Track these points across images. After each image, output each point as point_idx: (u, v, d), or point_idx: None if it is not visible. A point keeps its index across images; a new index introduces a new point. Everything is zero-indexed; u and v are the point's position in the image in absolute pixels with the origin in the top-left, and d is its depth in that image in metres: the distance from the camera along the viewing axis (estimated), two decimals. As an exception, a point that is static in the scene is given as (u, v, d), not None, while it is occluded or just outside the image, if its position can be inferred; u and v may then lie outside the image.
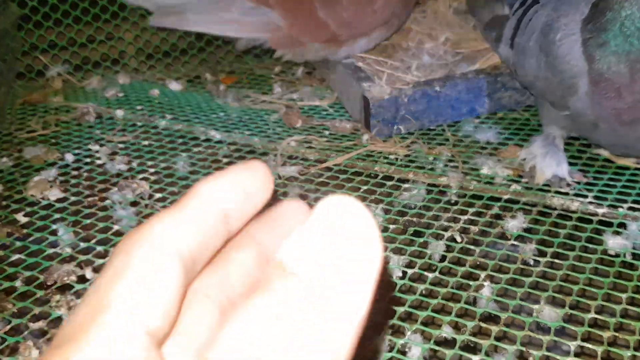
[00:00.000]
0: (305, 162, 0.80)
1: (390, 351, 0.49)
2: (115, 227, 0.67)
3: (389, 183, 0.73)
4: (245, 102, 1.01)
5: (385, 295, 0.54)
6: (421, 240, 0.62)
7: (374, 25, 0.96)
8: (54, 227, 0.67)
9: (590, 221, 0.64)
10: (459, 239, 0.62)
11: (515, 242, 0.61)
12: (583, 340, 0.49)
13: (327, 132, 0.89)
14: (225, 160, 0.82)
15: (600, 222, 0.63)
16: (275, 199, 0.28)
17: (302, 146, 0.84)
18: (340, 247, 0.19)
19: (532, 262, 0.59)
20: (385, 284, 0.56)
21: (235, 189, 0.25)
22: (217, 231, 0.25)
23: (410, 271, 0.58)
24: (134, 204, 0.72)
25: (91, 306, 0.21)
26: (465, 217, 0.66)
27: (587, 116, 0.67)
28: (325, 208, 0.20)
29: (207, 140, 0.87)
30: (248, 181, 0.26)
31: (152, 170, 0.79)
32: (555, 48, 0.69)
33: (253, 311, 0.18)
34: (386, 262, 0.60)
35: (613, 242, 0.60)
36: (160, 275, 0.21)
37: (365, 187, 0.73)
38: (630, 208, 0.65)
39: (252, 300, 0.19)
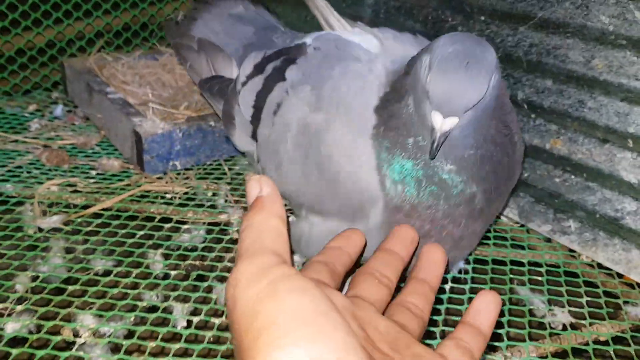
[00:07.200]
0: (71, 210, 0.71)
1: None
2: None
3: (168, 225, 0.70)
4: (-9, 142, 0.87)
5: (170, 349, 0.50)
6: (205, 284, 0.60)
7: None
8: None
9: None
10: (243, 278, 0.61)
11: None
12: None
13: (94, 173, 0.81)
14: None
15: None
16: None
17: (65, 191, 0.75)
18: None
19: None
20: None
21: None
22: None
23: (195, 319, 0.55)
24: None
25: None
26: (248, 254, 0.65)
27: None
28: None
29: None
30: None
31: None
32: (334, 166, 0.52)
33: None
34: (169, 312, 0.56)
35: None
36: None
37: (141, 232, 0.68)
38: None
39: None
